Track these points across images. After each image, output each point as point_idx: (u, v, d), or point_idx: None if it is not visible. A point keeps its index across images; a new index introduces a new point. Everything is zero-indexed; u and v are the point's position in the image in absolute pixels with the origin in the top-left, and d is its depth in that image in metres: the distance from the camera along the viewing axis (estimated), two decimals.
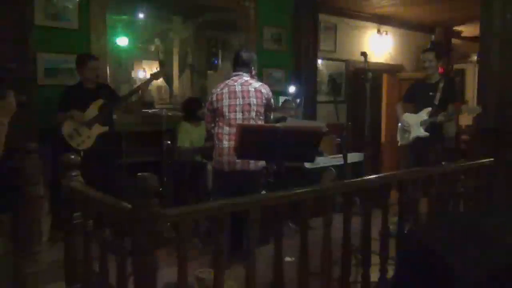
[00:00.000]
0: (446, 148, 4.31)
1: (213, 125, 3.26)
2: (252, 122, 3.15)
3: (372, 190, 2.39)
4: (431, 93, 4.12)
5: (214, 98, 3.20)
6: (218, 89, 3.21)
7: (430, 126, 4.04)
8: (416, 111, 4.23)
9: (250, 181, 3.18)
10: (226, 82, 3.23)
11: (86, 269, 1.98)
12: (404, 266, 1.56)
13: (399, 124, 4.37)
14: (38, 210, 2.91)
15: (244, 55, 3.26)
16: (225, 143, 3.13)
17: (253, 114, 3.14)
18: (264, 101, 3.19)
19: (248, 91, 3.15)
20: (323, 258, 2.17)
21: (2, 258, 2.76)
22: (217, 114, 3.20)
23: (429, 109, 4.07)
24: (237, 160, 3.06)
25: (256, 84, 3.23)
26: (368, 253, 2.44)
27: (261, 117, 3.22)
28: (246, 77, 3.21)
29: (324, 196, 2.17)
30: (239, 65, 3.25)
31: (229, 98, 3.15)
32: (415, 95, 4.35)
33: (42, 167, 2.80)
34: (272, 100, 3.30)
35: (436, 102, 4.06)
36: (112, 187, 3.07)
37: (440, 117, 4.00)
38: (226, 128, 3.13)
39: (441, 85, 4.08)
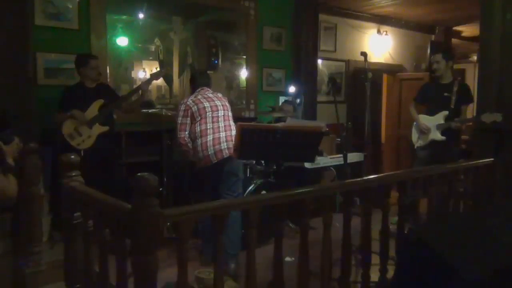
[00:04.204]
0: (461, 149, 4.28)
1: (187, 132, 3.37)
2: (231, 121, 3.43)
3: (372, 190, 2.39)
4: (445, 94, 4.08)
5: (191, 103, 3.36)
6: (191, 97, 3.43)
7: (446, 130, 4.02)
8: (428, 111, 4.20)
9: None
10: (194, 94, 3.47)
11: (86, 269, 1.98)
12: (404, 266, 1.56)
13: (414, 125, 4.32)
14: (38, 210, 2.91)
15: (201, 76, 3.63)
16: (210, 137, 3.29)
17: (231, 114, 3.50)
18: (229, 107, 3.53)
19: (220, 98, 3.48)
20: (323, 258, 2.17)
21: (2, 258, 2.75)
22: (198, 115, 3.33)
23: (446, 112, 4.03)
24: (222, 148, 3.27)
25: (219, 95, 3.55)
26: (368, 253, 2.44)
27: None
28: (210, 91, 3.51)
29: (324, 196, 2.17)
30: (200, 83, 3.54)
31: (208, 101, 3.39)
32: (427, 96, 4.31)
33: (42, 167, 2.80)
34: None
35: (452, 106, 4.02)
36: (112, 187, 3.07)
37: (455, 123, 3.97)
38: (210, 124, 3.31)
39: (455, 88, 4.05)
